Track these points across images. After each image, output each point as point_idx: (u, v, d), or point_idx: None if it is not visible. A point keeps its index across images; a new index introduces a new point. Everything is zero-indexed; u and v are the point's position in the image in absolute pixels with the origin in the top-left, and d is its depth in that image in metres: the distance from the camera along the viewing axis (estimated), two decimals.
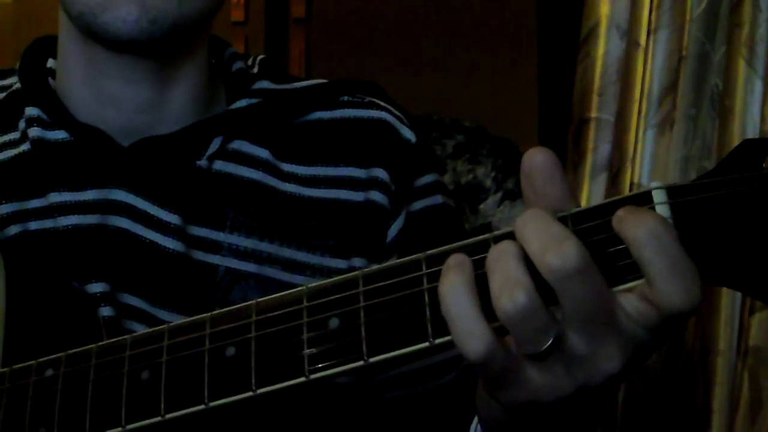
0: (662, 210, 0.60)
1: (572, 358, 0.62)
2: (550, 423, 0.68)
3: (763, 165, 0.60)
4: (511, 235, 0.62)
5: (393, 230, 0.96)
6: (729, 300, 1.77)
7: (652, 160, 1.91)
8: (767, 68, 1.76)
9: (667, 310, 0.59)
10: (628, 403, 1.92)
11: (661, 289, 0.59)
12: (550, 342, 0.61)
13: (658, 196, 0.61)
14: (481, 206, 1.56)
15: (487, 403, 0.69)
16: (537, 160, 0.63)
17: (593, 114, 2.01)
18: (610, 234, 0.61)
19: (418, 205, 0.98)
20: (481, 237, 0.64)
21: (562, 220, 0.62)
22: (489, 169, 1.56)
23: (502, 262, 0.61)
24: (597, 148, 2.00)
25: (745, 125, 1.75)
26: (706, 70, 1.88)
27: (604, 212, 0.61)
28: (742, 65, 1.77)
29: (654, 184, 0.62)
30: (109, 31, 0.86)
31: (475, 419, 0.74)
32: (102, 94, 0.92)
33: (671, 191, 0.61)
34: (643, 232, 0.58)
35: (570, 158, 2.05)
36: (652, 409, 1.89)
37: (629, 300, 0.61)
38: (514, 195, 1.55)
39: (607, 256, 0.61)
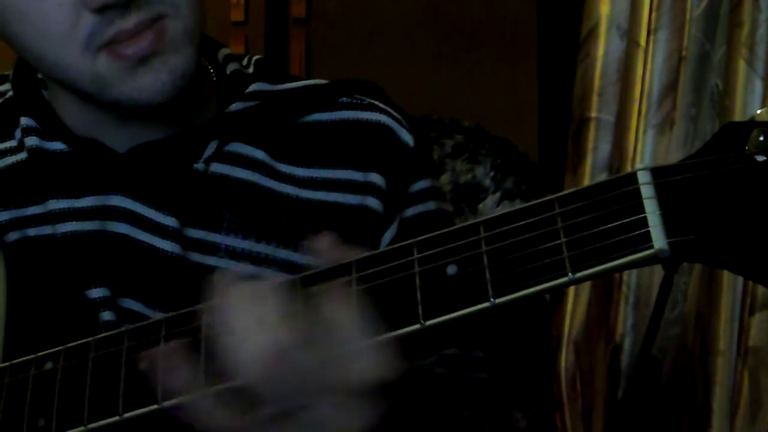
0: (647, 190, 0.61)
1: (308, 423, 0.67)
2: None
3: (746, 147, 0.61)
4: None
5: (387, 237, 0.96)
6: (729, 300, 1.77)
7: (652, 160, 1.91)
8: (767, 68, 1.76)
9: (363, 382, 0.65)
10: (628, 403, 1.92)
11: (353, 364, 0.65)
12: None
13: (643, 177, 0.62)
14: (480, 206, 1.56)
15: None
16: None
17: (593, 114, 2.01)
18: None
19: (411, 211, 0.98)
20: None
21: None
22: (488, 169, 1.56)
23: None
24: (597, 148, 2.00)
25: None
26: (706, 70, 1.88)
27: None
28: (742, 65, 1.77)
29: (639, 166, 0.63)
30: (141, 103, 0.85)
31: None
32: (98, 120, 0.92)
33: (655, 172, 0.62)
34: (330, 313, 0.65)
35: (570, 158, 2.05)
36: (652, 409, 1.89)
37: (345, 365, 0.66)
38: (513, 195, 1.55)
39: None
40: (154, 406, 0.69)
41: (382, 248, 0.95)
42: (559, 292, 1.98)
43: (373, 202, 0.96)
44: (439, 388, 0.99)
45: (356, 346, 0.64)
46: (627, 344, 1.94)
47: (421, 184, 0.99)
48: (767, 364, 1.74)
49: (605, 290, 1.98)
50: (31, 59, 0.87)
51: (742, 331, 1.76)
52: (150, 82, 0.83)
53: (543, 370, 1.74)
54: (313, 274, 0.69)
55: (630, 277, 1.94)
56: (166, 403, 0.69)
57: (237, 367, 0.65)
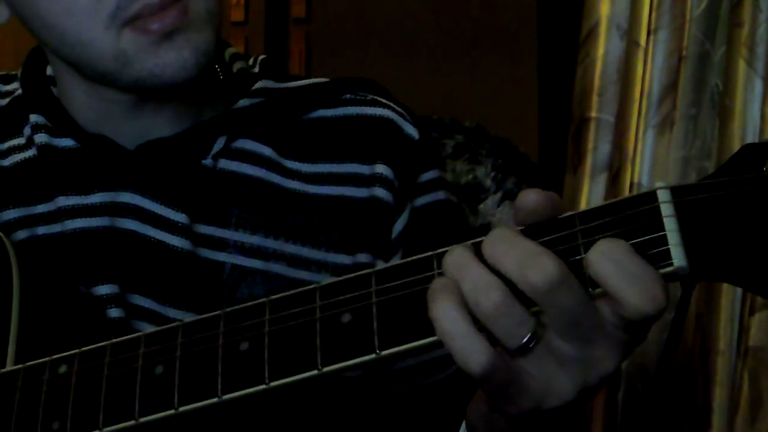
0: (667, 209, 0.62)
1: (565, 360, 0.64)
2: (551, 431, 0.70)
3: (764, 168, 0.63)
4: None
5: (398, 226, 0.97)
6: (729, 300, 1.77)
7: (652, 160, 1.91)
8: (767, 68, 1.76)
9: (634, 316, 0.62)
10: (628, 403, 1.92)
11: (623, 299, 0.62)
12: (530, 333, 0.63)
13: (663, 196, 0.63)
14: (481, 206, 1.56)
15: (488, 421, 0.71)
16: (531, 199, 0.65)
17: (593, 114, 2.01)
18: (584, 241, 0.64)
19: (421, 200, 0.99)
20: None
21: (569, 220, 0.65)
22: (489, 169, 1.56)
23: (467, 269, 0.63)
24: (597, 148, 2.00)
25: (745, 125, 1.75)
26: (706, 70, 1.88)
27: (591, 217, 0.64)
28: (742, 65, 1.77)
29: (659, 184, 0.64)
30: (164, 81, 0.85)
31: (463, 426, 0.76)
32: (108, 114, 0.93)
33: (675, 191, 0.63)
34: (591, 253, 0.62)
35: (570, 158, 2.05)
36: (652, 409, 1.89)
37: (604, 305, 0.63)
38: (513, 195, 1.55)
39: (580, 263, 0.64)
40: (171, 411, 0.70)
41: (393, 238, 0.96)
42: None
43: (381, 193, 0.96)
44: (402, 405, 0.99)
45: (621, 278, 0.62)
46: None
47: (430, 174, 1.00)
48: (767, 363, 1.74)
49: None
50: (53, 38, 0.87)
51: (742, 331, 1.76)
52: (174, 58, 0.84)
53: None
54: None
55: None
56: (183, 408, 0.69)
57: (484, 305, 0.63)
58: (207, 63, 0.86)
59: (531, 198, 0.65)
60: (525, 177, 1.55)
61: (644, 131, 1.92)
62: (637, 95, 1.94)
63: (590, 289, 0.63)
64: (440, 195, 1.01)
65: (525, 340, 0.63)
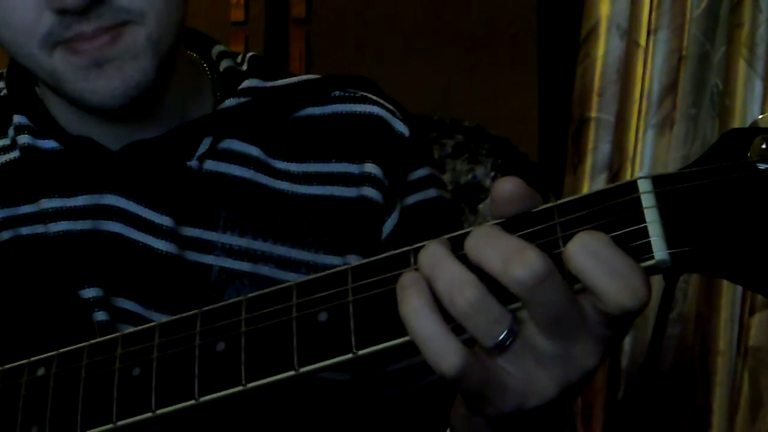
0: (648, 199, 0.60)
1: (545, 358, 0.63)
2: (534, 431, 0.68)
3: (748, 154, 0.60)
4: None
5: (388, 226, 0.95)
6: (729, 300, 1.77)
7: (652, 160, 1.91)
8: (767, 68, 1.76)
9: (615, 310, 0.60)
10: (628, 403, 1.92)
11: (603, 293, 0.60)
12: (507, 330, 0.62)
13: (644, 186, 0.61)
14: (481, 206, 1.55)
15: (469, 424, 0.69)
16: (506, 189, 0.63)
17: (593, 114, 2.01)
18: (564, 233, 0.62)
19: (411, 199, 0.98)
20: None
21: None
22: (488, 169, 1.56)
23: (441, 266, 0.62)
24: (597, 148, 2.00)
25: (745, 125, 1.74)
26: (706, 70, 1.88)
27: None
28: (742, 65, 1.77)
29: (639, 174, 0.62)
30: (94, 105, 0.85)
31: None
32: (89, 117, 0.92)
33: (656, 180, 0.61)
34: (570, 246, 0.60)
35: (570, 158, 2.05)
36: (652, 409, 1.89)
37: (585, 300, 0.62)
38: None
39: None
40: (149, 414, 0.69)
41: (383, 238, 0.95)
42: None
43: (370, 192, 0.95)
44: (394, 409, 0.98)
45: (601, 272, 0.60)
46: (627, 344, 1.94)
47: (420, 173, 0.99)
48: (767, 364, 1.74)
49: None
50: (5, 46, 0.88)
51: (742, 331, 1.76)
52: (102, 87, 0.83)
53: None
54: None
55: None
56: (160, 411, 0.68)
57: (455, 300, 0.62)
58: (141, 94, 0.84)
59: (508, 187, 0.63)
60: (525, 177, 1.54)
61: (644, 131, 1.92)
62: (637, 95, 1.94)
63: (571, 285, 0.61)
64: (431, 193, 0.99)
65: (502, 337, 0.62)
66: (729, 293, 1.77)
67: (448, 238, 0.64)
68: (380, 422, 0.98)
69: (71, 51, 0.82)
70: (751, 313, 1.75)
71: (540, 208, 0.63)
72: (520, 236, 0.62)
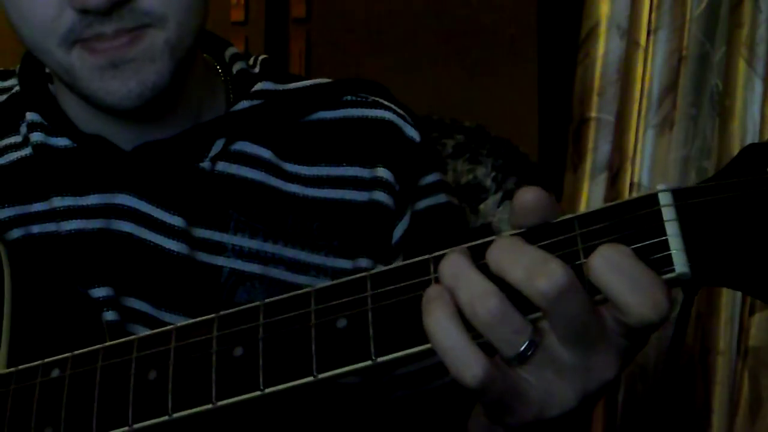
0: (669, 212, 0.61)
1: (565, 368, 0.64)
2: None
3: (767, 169, 0.61)
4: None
5: (399, 230, 0.96)
6: (729, 300, 1.77)
7: (652, 160, 1.91)
8: (767, 68, 1.76)
9: (636, 323, 0.61)
10: (628, 403, 1.92)
11: (625, 306, 0.61)
12: (528, 341, 0.62)
13: (664, 199, 0.62)
14: (481, 206, 1.55)
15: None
16: (528, 198, 0.64)
17: (593, 114, 2.01)
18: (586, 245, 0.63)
19: (422, 204, 0.98)
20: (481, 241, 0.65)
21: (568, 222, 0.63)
22: (489, 170, 1.56)
23: (463, 277, 0.63)
24: (597, 148, 2.00)
25: (745, 125, 1.75)
26: (706, 70, 1.88)
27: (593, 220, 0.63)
28: (742, 65, 1.77)
29: (660, 187, 0.62)
30: (107, 105, 0.85)
31: None
32: (103, 116, 0.92)
33: (677, 194, 0.62)
34: (593, 259, 0.61)
35: (570, 158, 2.05)
36: (652, 409, 1.89)
37: (606, 311, 0.63)
38: (514, 195, 1.55)
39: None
40: (165, 417, 0.69)
41: (393, 242, 0.96)
42: None
43: (381, 197, 0.95)
44: (400, 413, 0.98)
45: (624, 285, 0.61)
46: None
47: (431, 178, 0.99)
48: (767, 364, 1.74)
49: None
50: (24, 42, 0.88)
51: (742, 331, 1.76)
52: (117, 88, 0.83)
53: None
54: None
55: None
56: (177, 414, 0.68)
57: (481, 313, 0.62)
58: (156, 96, 0.85)
59: (530, 196, 0.63)
60: (525, 177, 1.54)
61: (644, 131, 1.92)
62: (637, 95, 1.94)
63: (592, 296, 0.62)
64: (441, 198, 1.00)
65: (523, 348, 0.62)
66: (729, 293, 1.77)
67: (468, 248, 0.65)
68: (386, 425, 0.98)
69: (89, 50, 0.83)
70: (751, 313, 1.75)
71: (560, 219, 0.64)
72: (540, 247, 0.62)
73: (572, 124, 2.04)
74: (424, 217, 0.97)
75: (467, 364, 0.62)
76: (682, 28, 1.89)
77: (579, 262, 0.62)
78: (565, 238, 0.63)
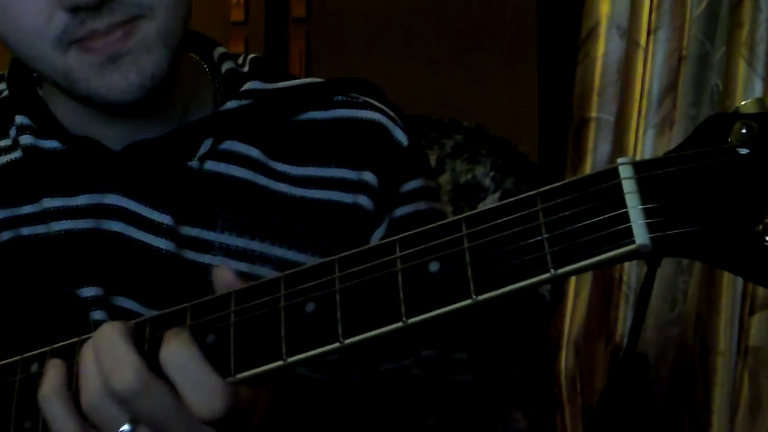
0: (628, 185, 0.61)
1: None
2: None
3: (729, 139, 0.61)
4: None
5: (376, 236, 0.96)
6: (729, 300, 1.77)
7: None
8: (767, 68, 1.76)
9: (202, 416, 0.68)
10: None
11: (189, 403, 0.68)
12: (127, 429, 0.69)
13: (624, 172, 0.62)
14: (480, 206, 1.56)
15: None
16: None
17: (593, 114, 2.01)
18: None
19: (401, 211, 0.98)
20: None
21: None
22: (488, 169, 1.56)
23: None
24: (597, 148, 2.00)
25: None
26: (706, 70, 1.88)
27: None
28: (742, 65, 1.77)
29: (620, 160, 0.62)
30: (110, 101, 0.85)
31: None
32: (91, 116, 0.93)
33: (637, 166, 0.62)
34: (164, 354, 0.68)
35: (570, 158, 2.05)
36: (652, 409, 1.89)
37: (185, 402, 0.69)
38: (512, 195, 1.55)
39: None
40: None
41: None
42: (559, 292, 1.98)
43: (364, 201, 0.96)
44: (411, 390, 0.99)
45: (183, 384, 0.68)
46: (625, 345, 1.94)
47: (413, 184, 0.99)
48: (767, 364, 1.74)
49: (605, 290, 1.98)
50: (12, 50, 0.88)
51: (742, 331, 1.76)
52: (117, 82, 0.84)
53: (543, 370, 1.74)
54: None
55: (630, 277, 1.94)
56: None
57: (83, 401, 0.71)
58: (156, 86, 0.85)
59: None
60: (524, 177, 1.54)
61: (644, 131, 1.92)
62: (637, 95, 1.94)
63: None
64: (422, 205, 0.99)
65: None
66: (729, 293, 1.77)
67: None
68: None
69: (85, 49, 0.83)
70: (751, 313, 1.75)
71: (523, 195, 0.64)
72: (503, 222, 0.64)
73: (572, 124, 2.04)
74: (402, 224, 0.97)
75: None
76: (682, 28, 1.89)
77: (541, 237, 0.62)
78: (526, 213, 0.63)
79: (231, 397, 0.67)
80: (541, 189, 0.63)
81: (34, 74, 0.98)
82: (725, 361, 1.78)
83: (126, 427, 0.69)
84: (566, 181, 0.63)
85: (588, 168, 1.99)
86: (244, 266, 0.92)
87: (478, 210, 0.65)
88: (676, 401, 1.87)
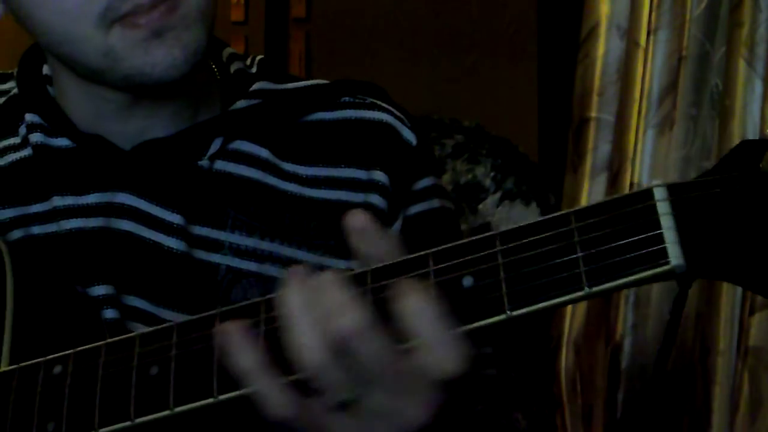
0: (663, 207, 0.63)
1: (374, 414, 0.67)
2: None
3: (760, 165, 0.63)
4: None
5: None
6: (729, 300, 1.77)
7: (652, 160, 1.91)
8: (767, 68, 1.76)
9: (436, 375, 0.65)
10: (628, 403, 1.92)
11: (426, 357, 0.65)
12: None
13: (659, 194, 0.63)
14: (480, 206, 1.56)
15: None
16: (354, 224, 0.69)
17: (593, 114, 2.01)
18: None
19: (415, 209, 0.98)
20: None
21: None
22: (488, 169, 1.56)
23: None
24: (597, 148, 2.00)
25: (745, 125, 1.75)
26: (706, 70, 1.88)
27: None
28: (742, 65, 1.77)
29: (655, 182, 0.64)
30: (154, 78, 0.85)
31: None
32: (103, 113, 0.93)
33: (671, 189, 0.63)
34: (407, 306, 0.65)
35: (570, 158, 2.05)
36: (652, 409, 1.89)
37: (411, 358, 0.66)
38: (513, 195, 1.55)
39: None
40: (167, 412, 0.70)
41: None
42: None
43: (376, 200, 0.96)
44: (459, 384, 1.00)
45: (429, 339, 0.65)
46: (627, 344, 1.94)
47: (425, 182, 0.99)
48: (767, 364, 1.74)
49: None
50: (44, 35, 0.88)
51: (742, 331, 1.76)
52: (163, 56, 0.84)
53: (543, 370, 1.74)
54: (386, 266, 0.69)
55: None
56: (178, 409, 0.70)
57: (298, 359, 0.66)
58: (198, 61, 0.86)
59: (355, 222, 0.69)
60: (525, 177, 1.54)
61: (644, 131, 1.92)
62: (637, 95, 1.94)
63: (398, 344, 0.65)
64: (434, 203, 1.00)
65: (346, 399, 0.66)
66: (729, 293, 1.78)
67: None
68: None
69: (129, 25, 0.83)
70: (751, 313, 1.75)
71: (557, 214, 0.66)
72: (538, 239, 0.64)
73: (572, 124, 2.04)
74: (416, 223, 0.98)
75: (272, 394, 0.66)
76: (682, 28, 1.89)
77: (575, 255, 0.64)
78: (561, 231, 0.64)
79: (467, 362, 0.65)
80: (575, 208, 0.65)
81: (44, 72, 0.98)
82: (725, 361, 1.78)
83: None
84: (600, 201, 0.65)
85: (588, 168, 1.99)
86: (253, 266, 0.92)
87: (512, 227, 0.66)
88: (676, 401, 1.87)
